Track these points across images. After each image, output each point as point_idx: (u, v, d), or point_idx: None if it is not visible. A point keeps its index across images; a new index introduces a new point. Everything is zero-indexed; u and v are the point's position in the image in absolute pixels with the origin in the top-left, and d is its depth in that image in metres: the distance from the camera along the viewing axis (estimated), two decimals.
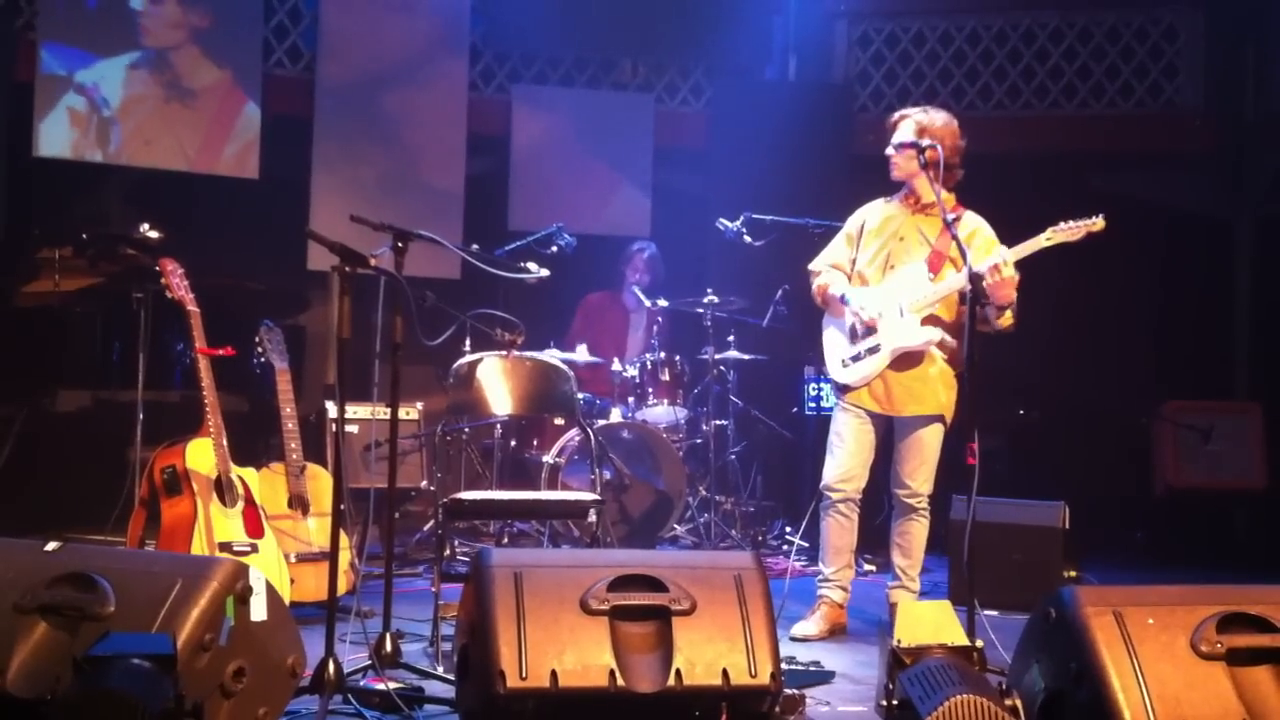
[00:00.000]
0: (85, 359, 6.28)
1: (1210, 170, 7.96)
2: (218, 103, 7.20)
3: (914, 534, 4.57)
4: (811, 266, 4.74)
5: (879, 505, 5.02)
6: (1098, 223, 4.15)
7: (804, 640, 4.42)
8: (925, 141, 4.29)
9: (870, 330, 4.50)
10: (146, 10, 7.05)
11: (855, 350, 4.54)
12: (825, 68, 8.25)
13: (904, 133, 4.44)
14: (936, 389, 4.48)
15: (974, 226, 4.51)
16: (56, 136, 6.87)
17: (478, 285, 5.76)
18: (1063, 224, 4.18)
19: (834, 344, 4.64)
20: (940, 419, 4.50)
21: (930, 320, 4.45)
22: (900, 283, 4.48)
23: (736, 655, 2.91)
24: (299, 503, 4.56)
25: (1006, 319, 4.28)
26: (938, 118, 4.44)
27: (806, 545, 6.33)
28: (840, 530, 4.59)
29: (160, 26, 7.07)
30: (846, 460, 4.55)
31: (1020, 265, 4.23)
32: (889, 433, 4.59)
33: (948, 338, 4.46)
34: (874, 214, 4.64)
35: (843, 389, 4.59)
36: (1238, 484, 6.92)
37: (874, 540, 5.48)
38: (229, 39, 7.23)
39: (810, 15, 8.26)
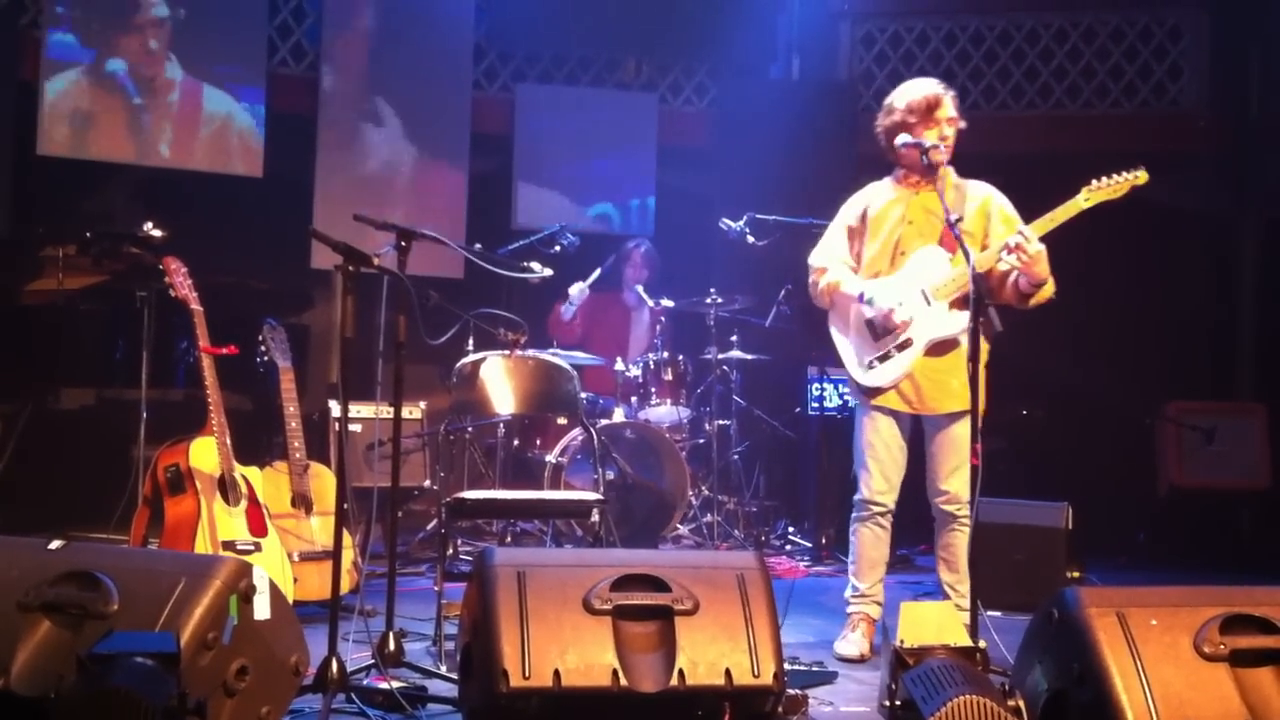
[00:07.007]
0: (88, 357, 6.29)
1: (1215, 171, 7.94)
2: (179, 98, 7.14)
3: (958, 545, 4.21)
4: (813, 262, 4.39)
5: None
6: (1140, 175, 3.86)
7: (851, 661, 4.11)
8: (929, 142, 4.11)
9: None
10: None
11: (882, 349, 4.19)
12: (829, 67, 8.24)
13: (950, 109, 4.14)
14: (966, 380, 4.01)
15: (983, 196, 4.21)
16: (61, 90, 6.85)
17: (481, 285, 5.77)
18: (1096, 181, 3.90)
19: (852, 345, 4.29)
20: (969, 413, 4.10)
21: (959, 304, 4.10)
22: (917, 268, 4.16)
23: (739, 655, 2.91)
24: (302, 501, 4.57)
25: (1046, 291, 3.99)
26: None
27: (809, 545, 6.35)
28: (877, 542, 4.30)
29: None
30: (885, 470, 4.25)
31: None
32: (915, 436, 4.29)
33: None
34: (874, 200, 4.30)
35: (870, 392, 4.23)
36: (1241, 485, 6.90)
37: None
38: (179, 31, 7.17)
39: (814, 15, 8.25)
